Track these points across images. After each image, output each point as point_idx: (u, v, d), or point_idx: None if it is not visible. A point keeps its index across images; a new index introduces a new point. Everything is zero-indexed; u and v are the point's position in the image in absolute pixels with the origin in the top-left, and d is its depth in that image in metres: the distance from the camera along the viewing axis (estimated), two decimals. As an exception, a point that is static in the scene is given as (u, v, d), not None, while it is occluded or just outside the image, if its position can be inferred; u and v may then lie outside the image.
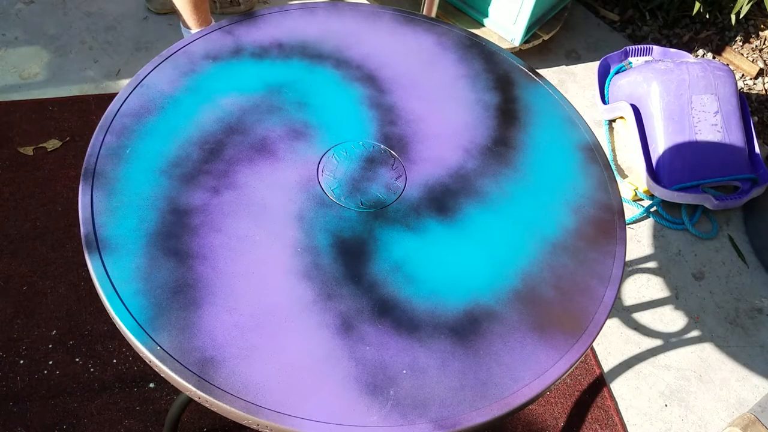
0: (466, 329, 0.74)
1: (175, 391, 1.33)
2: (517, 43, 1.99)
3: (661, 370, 1.54)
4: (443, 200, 0.86)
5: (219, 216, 0.79)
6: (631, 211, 1.82)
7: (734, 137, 1.81)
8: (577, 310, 0.78)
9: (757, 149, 1.86)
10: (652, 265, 1.72)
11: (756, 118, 2.14)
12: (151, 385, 1.33)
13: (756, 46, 2.33)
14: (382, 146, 0.90)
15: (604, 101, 2.01)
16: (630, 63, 2.03)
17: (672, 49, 2.07)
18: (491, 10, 2.00)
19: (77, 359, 1.34)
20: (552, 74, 2.09)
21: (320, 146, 0.88)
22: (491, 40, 1.80)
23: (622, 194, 1.80)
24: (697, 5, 2.15)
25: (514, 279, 0.80)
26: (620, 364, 1.53)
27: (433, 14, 1.77)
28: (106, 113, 0.85)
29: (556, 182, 0.90)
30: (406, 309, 0.75)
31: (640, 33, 2.29)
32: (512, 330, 0.75)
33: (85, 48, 1.86)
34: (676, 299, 1.66)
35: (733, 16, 2.19)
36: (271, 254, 0.77)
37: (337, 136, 0.90)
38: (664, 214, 1.80)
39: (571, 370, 0.84)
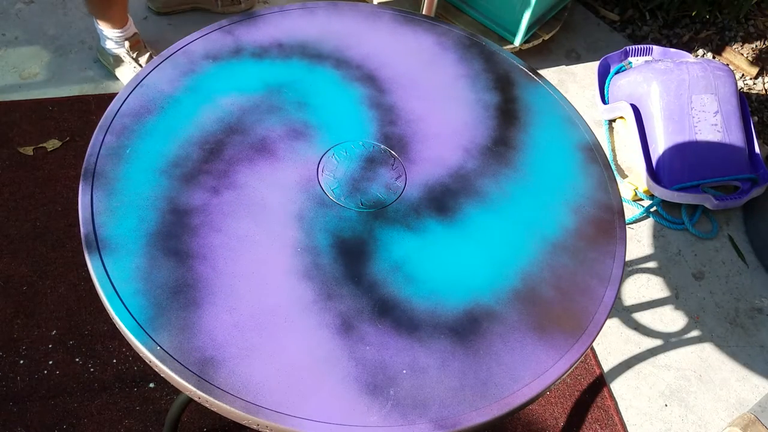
0: (466, 329, 0.74)
1: (175, 391, 1.33)
2: (517, 43, 1.99)
3: (661, 370, 1.54)
4: (443, 200, 0.86)
5: (219, 216, 0.79)
6: (631, 211, 1.82)
7: (734, 137, 1.81)
8: (577, 310, 0.78)
9: (757, 149, 1.86)
10: (652, 265, 1.72)
11: (756, 118, 2.14)
12: (151, 385, 1.33)
13: (756, 46, 2.33)
14: (382, 146, 0.90)
15: (604, 101, 2.01)
16: (630, 63, 2.03)
17: (672, 49, 2.07)
18: (491, 10, 2.00)
19: (77, 359, 1.34)
20: (552, 74, 2.09)
21: (320, 146, 0.88)
22: (491, 40, 1.80)
23: (622, 194, 1.80)
24: (697, 5, 2.15)
25: (514, 279, 0.80)
26: (620, 364, 1.53)
27: (433, 14, 1.77)
28: (106, 113, 0.85)
29: (556, 182, 0.90)
30: (406, 309, 0.75)
31: (640, 33, 2.29)
32: (512, 330, 0.75)
33: (85, 48, 1.86)
34: (676, 299, 1.66)
35: (733, 16, 2.19)
36: (271, 254, 0.77)
37: (337, 136, 0.90)
38: (664, 214, 1.80)
39: (571, 370, 0.84)
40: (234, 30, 0.99)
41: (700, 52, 2.27)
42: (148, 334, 0.68)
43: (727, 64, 2.10)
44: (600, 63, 2.07)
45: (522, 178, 0.90)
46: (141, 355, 0.68)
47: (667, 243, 1.77)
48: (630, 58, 2.05)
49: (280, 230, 0.79)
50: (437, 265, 0.79)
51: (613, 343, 1.56)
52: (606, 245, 0.85)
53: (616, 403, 1.46)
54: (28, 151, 1.63)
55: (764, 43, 2.34)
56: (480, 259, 0.81)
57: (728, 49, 2.29)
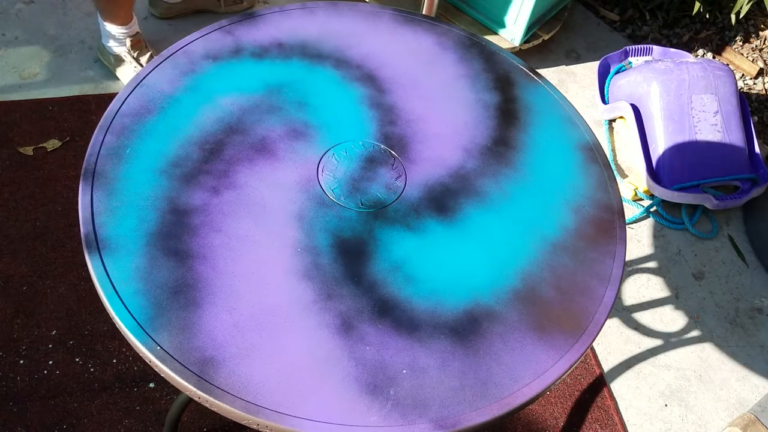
0: (466, 329, 0.74)
1: (175, 391, 1.33)
2: (517, 43, 1.99)
3: (661, 370, 1.54)
4: (443, 200, 0.86)
5: (219, 216, 0.79)
6: (631, 211, 1.82)
7: (734, 137, 1.81)
8: (577, 310, 0.78)
9: (757, 149, 1.86)
10: (652, 265, 1.72)
11: (756, 118, 2.14)
12: (151, 385, 1.33)
13: (756, 46, 2.33)
14: (382, 146, 0.90)
15: (604, 101, 2.01)
16: (630, 63, 2.03)
17: (672, 49, 2.07)
18: (491, 9, 2.00)
19: (77, 359, 1.34)
20: (552, 74, 2.09)
21: (320, 146, 0.88)
22: (491, 39, 1.80)
23: (622, 194, 1.80)
24: (697, 5, 2.15)
25: (514, 279, 0.80)
26: (620, 364, 1.53)
27: (433, 14, 1.77)
28: (106, 113, 0.85)
29: (556, 182, 0.90)
30: (406, 309, 0.75)
31: (640, 33, 2.29)
32: (512, 330, 0.75)
33: (85, 48, 1.86)
34: (676, 299, 1.66)
35: (733, 16, 2.19)
36: (271, 254, 0.77)
37: (337, 136, 0.90)
38: (664, 214, 1.80)
39: (571, 370, 0.84)
40: (234, 30, 0.99)
41: (700, 52, 2.27)
42: (148, 334, 0.68)
43: (727, 64, 2.10)
44: (600, 63, 2.07)
45: (522, 178, 0.90)
46: (141, 355, 0.68)
47: (667, 243, 1.77)
48: (630, 58, 2.05)
49: (280, 230, 0.79)
50: (437, 265, 0.79)
51: (613, 343, 1.56)
52: (606, 245, 0.85)
53: (616, 403, 1.46)
54: (28, 151, 1.63)
55: (764, 43, 2.34)
56: (480, 259, 0.81)
57: (728, 49, 2.29)
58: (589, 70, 2.12)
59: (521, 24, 1.94)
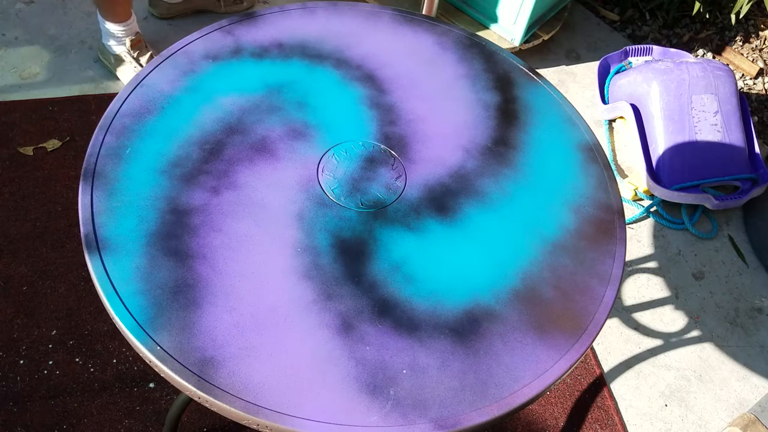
0: (466, 329, 0.74)
1: (175, 391, 1.33)
2: (517, 43, 1.99)
3: (661, 370, 1.54)
4: (443, 200, 0.86)
5: (219, 216, 0.79)
6: (631, 211, 1.82)
7: (734, 137, 1.81)
8: (577, 310, 0.78)
9: (757, 149, 1.86)
10: (652, 265, 1.72)
11: (756, 118, 2.14)
12: (151, 385, 1.33)
13: (756, 46, 2.33)
14: (382, 146, 0.90)
15: (604, 101, 2.01)
16: (630, 63, 2.03)
17: (672, 49, 2.07)
18: (491, 9, 2.00)
19: (77, 359, 1.34)
20: (552, 74, 2.09)
21: (320, 146, 0.88)
22: (491, 40, 1.80)
23: (622, 194, 1.80)
24: (697, 5, 2.15)
25: (514, 279, 0.80)
26: (620, 364, 1.53)
27: (433, 14, 1.77)
28: (106, 113, 0.85)
29: (556, 182, 0.90)
30: (406, 309, 0.75)
31: (640, 33, 2.29)
32: (512, 330, 0.75)
33: (85, 48, 1.86)
34: (676, 299, 1.66)
35: (733, 16, 2.19)
36: (271, 254, 0.77)
37: (337, 136, 0.90)
38: (664, 214, 1.80)
39: (571, 370, 0.84)
40: (234, 30, 0.99)
41: (700, 52, 2.27)
42: (148, 334, 0.68)
43: (727, 64, 2.10)
44: (600, 63, 2.07)
45: (522, 178, 0.90)
46: (141, 355, 0.68)
47: (667, 243, 1.77)
48: (630, 58, 2.05)
49: (280, 230, 0.79)
50: (437, 265, 0.79)
51: (613, 343, 1.56)
52: (606, 245, 0.85)
53: (616, 403, 1.46)
54: (28, 151, 1.63)
55: (764, 43, 2.34)
56: (480, 259, 0.81)
57: (728, 49, 2.29)
58: (589, 70, 2.12)
59: (521, 24, 1.94)
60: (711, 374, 1.55)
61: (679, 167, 1.79)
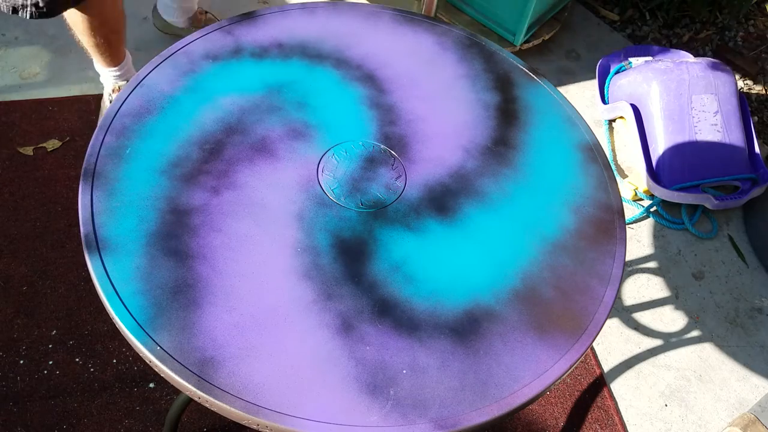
0: (466, 329, 0.74)
1: (175, 391, 1.33)
2: (517, 43, 1.99)
3: (661, 370, 1.54)
4: (443, 200, 0.86)
5: (219, 216, 0.79)
6: (631, 211, 1.82)
7: (734, 137, 1.81)
8: (577, 310, 0.78)
9: (757, 149, 1.86)
10: (652, 265, 1.72)
11: (756, 118, 2.14)
12: (151, 385, 1.33)
13: (756, 45, 2.33)
14: (382, 146, 0.90)
15: (604, 101, 2.01)
16: (630, 63, 2.03)
17: (672, 49, 2.07)
18: (491, 9, 2.00)
19: (77, 359, 1.34)
20: (552, 74, 2.09)
21: (320, 146, 0.88)
22: (491, 40, 1.80)
23: (622, 194, 1.80)
24: (697, 5, 2.15)
25: (514, 279, 0.80)
26: (620, 364, 1.53)
27: (434, 14, 1.77)
28: (106, 113, 0.85)
29: (556, 182, 0.90)
30: (406, 309, 0.75)
31: (640, 33, 2.29)
32: (512, 330, 0.75)
33: (85, 48, 1.86)
34: (676, 299, 1.66)
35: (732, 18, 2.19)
36: (271, 254, 0.77)
37: (336, 136, 0.90)
38: (664, 214, 1.80)
39: (571, 370, 0.84)
40: (234, 30, 0.99)
41: (700, 52, 2.27)
42: (148, 334, 0.68)
43: (727, 64, 2.10)
44: (600, 63, 2.07)
45: (522, 178, 0.90)
46: (141, 355, 0.68)
47: (667, 243, 1.77)
48: (630, 58, 2.05)
49: (280, 230, 0.79)
50: (437, 265, 0.79)
51: (613, 343, 1.56)
52: (606, 245, 0.85)
53: (616, 403, 1.46)
54: (28, 151, 1.63)
55: (764, 43, 2.34)
56: (480, 259, 0.81)
57: (728, 49, 2.29)
58: (589, 70, 2.12)
59: (521, 24, 1.94)
60: (711, 374, 1.55)
61: (679, 167, 1.79)
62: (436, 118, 0.94)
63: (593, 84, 2.08)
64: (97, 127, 0.84)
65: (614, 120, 2.00)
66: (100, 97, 1.75)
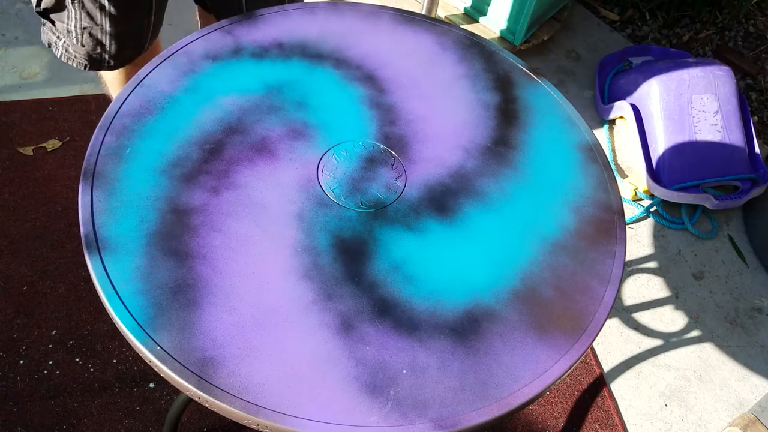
0: (466, 329, 0.74)
1: (175, 391, 1.33)
2: (517, 43, 1.99)
3: (661, 370, 1.54)
4: (443, 200, 0.86)
5: (219, 216, 0.79)
6: (631, 211, 1.82)
7: (734, 137, 1.81)
8: (577, 310, 0.78)
9: (757, 149, 1.86)
10: (652, 265, 1.72)
11: (756, 118, 2.14)
12: (151, 385, 1.33)
13: (756, 46, 2.34)
14: (382, 146, 0.90)
15: (604, 101, 2.01)
16: (630, 63, 2.03)
17: (672, 49, 2.07)
18: (491, 9, 2.00)
19: (77, 359, 1.34)
20: (552, 74, 2.09)
21: (320, 146, 0.88)
22: (491, 40, 1.80)
23: (622, 194, 1.80)
24: (698, 5, 2.15)
25: (514, 279, 0.80)
26: (620, 364, 1.53)
27: (433, 14, 1.77)
28: (106, 113, 0.85)
29: (556, 182, 0.90)
30: (406, 309, 0.75)
31: (640, 33, 2.29)
32: (512, 330, 0.75)
33: (85, 48, 1.86)
34: (676, 299, 1.66)
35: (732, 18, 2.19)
36: (271, 254, 0.77)
37: (336, 136, 0.90)
38: (664, 214, 1.80)
39: (571, 370, 0.84)
40: (234, 30, 0.99)
41: (700, 52, 2.27)
42: (148, 334, 0.68)
43: (727, 64, 2.10)
44: (600, 63, 2.07)
45: (522, 178, 0.90)
46: (141, 355, 0.68)
47: (667, 243, 1.77)
48: (630, 58, 2.05)
49: (280, 230, 0.79)
50: (437, 265, 0.79)
51: (613, 343, 1.56)
52: (606, 245, 0.85)
53: (616, 403, 1.46)
54: (28, 151, 1.63)
55: (764, 43, 2.34)
56: (480, 259, 0.81)
57: (728, 49, 2.29)
58: (589, 70, 2.12)
59: (521, 24, 1.94)
60: (711, 374, 1.55)
61: (679, 167, 1.79)
62: (436, 118, 0.94)
63: (593, 84, 2.08)
64: (97, 127, 0.84)
65: (614, 120, 2.00)
66: (100, 97, 1.75)
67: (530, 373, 0.72)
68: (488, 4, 2.00)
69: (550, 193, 0.89)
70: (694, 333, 1.62)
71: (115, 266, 0.72)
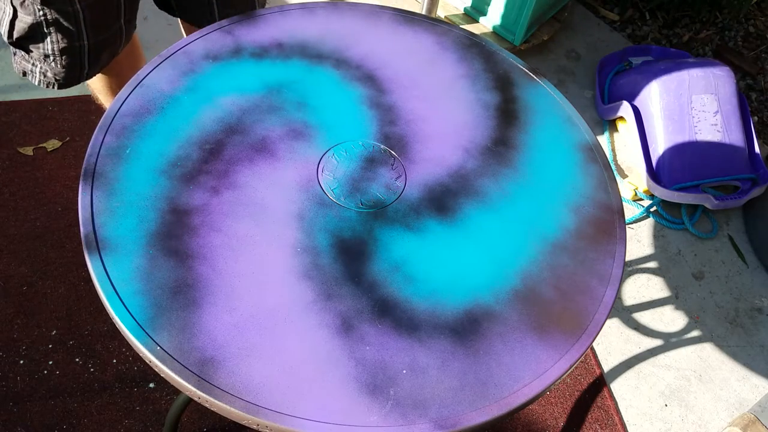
0: (466, 329, 0.74)
1: (175, 391, 1.33)
2: (517, 42, 1.99)
3: (661, 369, 1.54)
4: (443, 200, 0.86)
5: (219, 216, 0.79)
6: (631, 211, 1.82)
7: (734, 137, 1.81)
8: (577, 310, 0.78)
9: (757, 149, 1.86)
10: (652, 265, 1.72)
11: (756, 118, 2.14)
12: (151, 385, 1.33)
13: (756, 45, 2.34)
14: (382, 146, 0.90)
15: (604, 101, 2.01)
16: (630, 63, 2.03)
17: (672, 49, 2.07)
18: (491, 9, 2.00)
19: (77, 359, 1.34)
20: (552, 74, 2.09)
21: (320, 146, 0.88)
22: (491, 40, 1.80)
23: (622, 194, 1.80)
24: (697, 5, 2.15)
25: (514, 279, 0.80)
26: (620, 364, 1.53)
27: (433, 14, 1.77)
28: (106, 113, 0.85)
29: (556, 182, 0.90)
30: (406, 309, 0.75)
31: (640, 33, 2.29)
32: (512, 330, 0.75)
33: (85, 48, 1.85)
34: (676, 299, 1.66)
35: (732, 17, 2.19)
36: (271, 254, 0.77)
37: (336, 136, 0.90)
38: (664, 214, 1.80)
39: (571, 370, 0.84)
40: (234, 30, 0.99)
41: (700, 52, 2.27)
42: (148, 334, 0.68)
43: (727, 64, 2.10)
44: (600, 63, 2.07)
45: (522, 178, 0.90)
46: (141, 355, 0.68)
47: (667, 243, 1.77)
48: (630, 58, 2.05)
49: (280, 230, 0.79)
50: (437, 265, 0.79)
51: (613, 343, 1.56)
52: (606, 245, 0.85)
53: (616, 403, 1.46)
54: (28, 151, 1.63)
55: (764, 43, 2.34)
56: (480, 259, 0.81)
57: (728, 49, 2.29)
58: (589, 70, 2.12)
59: (521, 24, 1.94)
60: (711, 374, 1.55)
61: (679, 167, 1.79)
62: (436, 118, 0.94)
63: (593, 84, 2.08)
64: (97, 127, 0.84)
65: (614, 120, 2.00)
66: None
67: (530, 373, 0.72)
68: (488, 4, 2.00)
69: (550, 193, 0.89)
70: (694, 333, 1.62)
71: (115, 266, 0.72)
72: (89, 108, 1.73)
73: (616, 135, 1.98)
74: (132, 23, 1.18)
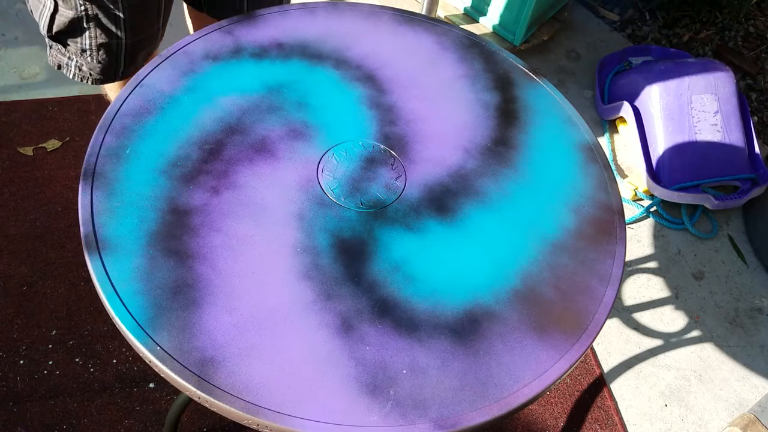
0: (466, 329, 0.75)
1: (175, 391, 1.33)
2: (517, 43, 1.99)
3: (661, 370, 1.54)
4: (443, 200, 0.86)
5: (219, 216, 0.79)
6: (631, 211, 1.82)
7: (734, 137, 1.81)
8: (577, 310, 0.78)
9: (756, 149, 1.86)
10: (652, 265, 1.72)
11: (756, 118, 2.14)
12: (151, 385, 1.33)
13: (756, 45, 2.34)
14: (382, 146, 0.90)
15: (604, 101, 2.01)
16: (630, 63, 2.03)
17: (672, 49, 2.07)
18: (491, 9, 2.00)
19: (77, 359, 1.34)
20: (552, 74, 2.09)
21: (320, 146, 0.88)
22: (491, 40, 1.80)
23: (622, 194, 1.80)
24: (697, 5, 2.15)
25: (514, 279, 0.80)
26: (620, 364, 1.53)
27: (433, 14, 1.77)
28: (106, 113, 0.85)
29: (556, 182, 0.90)
30: (406, 309, 0.75)
31: (640, 33, 2.29)
32: (512, 330, 0.75)
33: (85, 48, 1.85)
34: (676, 299, 1.66)
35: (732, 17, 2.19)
36: (271, 254, 0.77)
37: (336, 136, 0.90)
38: (664, 214, 1.80)
39: (571, 370, 0.84)
40: (234, 30, 0.99)
41: (700, 52, 2.27)
42: (148, 334, 0.68)
43: (727, 64, 2.10)
44: (600, 63, 2.07)
45: (522, 178, 0.90)
46: (141, 355, 0.68)
47: (667, 243, 1.77)
48: (630, 58, 2.05)
49: (280, 230, 0.79)
50: (437, 265, 0.79)
51: (613, 343, 1.56)
52: (606, 245, 0.85)
53: (616, 403, 1.46)
54: (28, 151, 1.63)
55: (764, 43, 2.34)
56: (480, 259, 0.81)
57: (728, 49, 2.29)
58: (589, 70, 2.12)
59: (521, 24, 1.94)
60: (711, 374, 1.55)
61: (679, 167, 1.79)
62: (436, 118, 0.94)
63: (593, 84, 2.08)
64: (97, 127, 0.84)
65: (614, 120, 2.00)
66: (100, 97, 1.75)
67: (530, 373, 0.72)
68: (488, 4, 2.00)
69: (550, 193, 0.89)
70: (694, 333, 1.62)
71: (115, 266, 0.72)
72: (89, 108, 1.73)
73: (616, 135, 1.98)
74: (166, 23, 1.19)
